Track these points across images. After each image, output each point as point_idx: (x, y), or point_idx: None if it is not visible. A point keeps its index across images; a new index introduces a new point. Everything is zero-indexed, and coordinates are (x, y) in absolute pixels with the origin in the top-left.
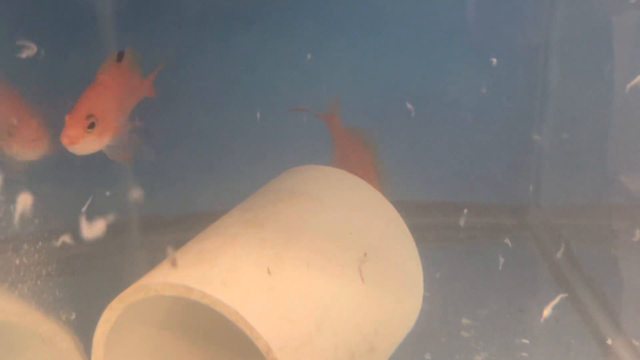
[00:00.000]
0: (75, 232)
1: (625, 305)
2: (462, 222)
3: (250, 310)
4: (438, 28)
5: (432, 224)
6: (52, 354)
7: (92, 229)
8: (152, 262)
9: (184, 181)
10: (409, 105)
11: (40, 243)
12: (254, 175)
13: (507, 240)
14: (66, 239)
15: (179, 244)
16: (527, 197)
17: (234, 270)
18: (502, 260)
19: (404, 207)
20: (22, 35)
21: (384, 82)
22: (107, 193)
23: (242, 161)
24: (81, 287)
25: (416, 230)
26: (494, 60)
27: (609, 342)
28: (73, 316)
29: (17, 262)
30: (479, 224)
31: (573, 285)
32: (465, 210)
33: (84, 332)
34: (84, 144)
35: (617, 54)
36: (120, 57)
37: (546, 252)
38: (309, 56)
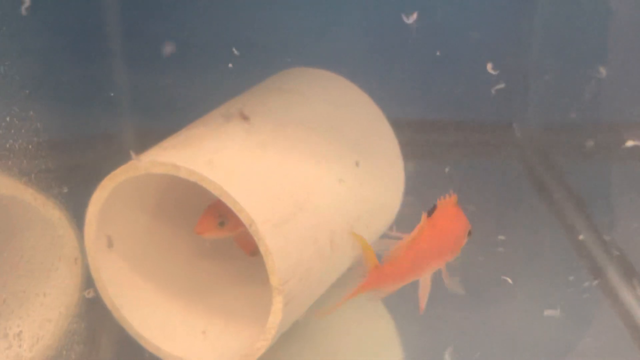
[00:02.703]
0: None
1: (597, 205)
2: (450, 139)
3: (234, 186)
4: None
5: (423, 141)
6: (45, 227)
7: None
8: None
9: (177, 94)
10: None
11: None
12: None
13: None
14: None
15: None
16: (515, 115)
17: (220, 152)
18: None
19: (396, 124)
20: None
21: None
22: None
23: (233, 75)
24: (78, 189)
25: (406, 146)
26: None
27: (580, 237)
28: (65, 190)
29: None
30: (468, 141)
31: (552, 192)
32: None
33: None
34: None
35: None
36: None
37: (530, 167)
38: None
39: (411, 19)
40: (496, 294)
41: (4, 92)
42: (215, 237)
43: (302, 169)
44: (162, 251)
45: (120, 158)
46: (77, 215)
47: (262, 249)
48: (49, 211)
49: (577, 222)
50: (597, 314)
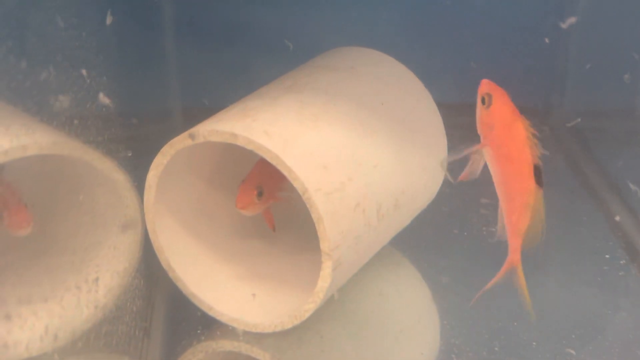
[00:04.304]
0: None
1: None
2: None
3: (289, 155)
4: None
5: (458, 124)
6: (113, 187)
7: None
8: None
9: (224, 74)
10: None
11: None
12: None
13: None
14: None
15: None
16: (551, 100)
17: (275, 123)
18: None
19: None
20: None
21: None
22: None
23: (277, 57)
24: (138, 156)
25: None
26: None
27: (617, 218)
28: (129, 153)
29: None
30: None
31: (589, 176)
32: None
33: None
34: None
35: None
36: None
37: (568, 151)
38: None
39: None
40: (534, 271)
41: (83, 55)
42: (254, 212)
43: (351, 141)
44: (215, 217)
45: (177, 132)
46: (136, 180)
47: (314, 215)
48: (115, 173)
49: (614, 204)
50: (632, 290)
